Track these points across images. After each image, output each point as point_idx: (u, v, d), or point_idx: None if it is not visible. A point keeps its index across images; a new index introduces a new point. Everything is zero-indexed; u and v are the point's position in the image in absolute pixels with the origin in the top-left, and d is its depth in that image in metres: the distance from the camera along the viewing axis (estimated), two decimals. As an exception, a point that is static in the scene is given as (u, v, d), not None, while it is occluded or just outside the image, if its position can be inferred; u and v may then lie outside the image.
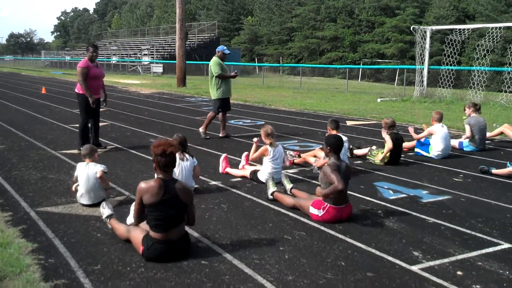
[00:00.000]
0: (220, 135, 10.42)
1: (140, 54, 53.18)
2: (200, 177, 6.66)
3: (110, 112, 14.75)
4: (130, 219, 4.68)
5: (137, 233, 4.26)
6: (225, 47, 10.62)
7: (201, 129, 10.37)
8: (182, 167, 5.87)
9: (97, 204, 5.45)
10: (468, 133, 9.21)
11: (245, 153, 7.38)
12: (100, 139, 8.99)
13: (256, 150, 6.81)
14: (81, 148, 5.89)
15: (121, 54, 56.79)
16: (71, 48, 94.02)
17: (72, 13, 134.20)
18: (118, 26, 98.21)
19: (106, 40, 75.43)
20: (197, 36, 53.53)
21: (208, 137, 10.26)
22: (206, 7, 76.92)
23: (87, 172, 5.59)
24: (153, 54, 51.15)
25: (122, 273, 3.86)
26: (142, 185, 4.12)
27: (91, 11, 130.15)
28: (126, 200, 5.75)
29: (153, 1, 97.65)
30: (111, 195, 5.88)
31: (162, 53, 51.52)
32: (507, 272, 4.00)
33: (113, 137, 10.28)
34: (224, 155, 7.48)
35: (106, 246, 4.40)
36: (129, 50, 58.11)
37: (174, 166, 4.24)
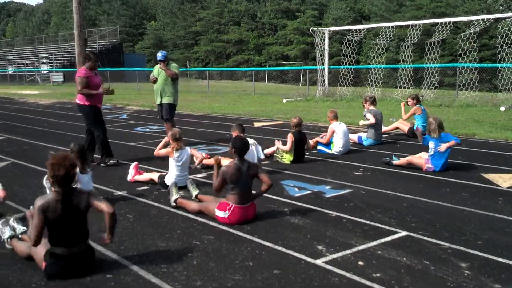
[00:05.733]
0: None
1: (38, 63, 50.63)
2: (105, 188, 6.49)
3: (6, 126, 13.94)
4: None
5: (39, 248, 4.04)
6: (158, 53, 9.92)
7: None
8: (82, 181, 5.63)
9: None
10: (372, 119, 9.63)
11: (135, 163, 7.27)
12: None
13: (164, 146, 6.72)
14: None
15: (18, 64, 53.75)
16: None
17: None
18: (13, 34, 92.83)
19: (0, 50, 71.01)
20: (99, 42, 51.90)
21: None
22: (107, 12, 74.78)
23: None
24: (52, 63, 48.93)
25: (20, 296, 3.65)
26: (40, 202, 3.86)
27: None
28: (22, 218, 5.43)
29: (49, 7, 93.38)
30: (8, 213, 5.53)
31: (62, 61, 49.50)
32: (404, 259, 4.23)
33: (9, 151, 9.71)
34: (135, 163, 7.30)
35: (3, 268, 4.14)
36: (26, 59, 55.15)
37: (73, 181, 4.06)
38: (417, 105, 10.53)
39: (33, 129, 13.16)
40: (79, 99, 8.20)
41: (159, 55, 9.80)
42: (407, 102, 10.85)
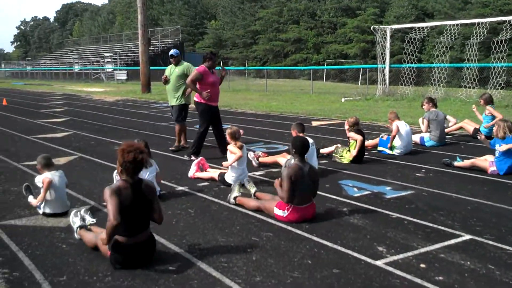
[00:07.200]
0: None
1: (103, 61, 52.54)
2: (167, 183, 6.66)
3: (73, 121, 14.56)
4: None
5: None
6: (172, 50, 9.57)
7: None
8: (145, 173, 5.79)
9: (62, 214, 5.46)
10: (423, 128, 9.73)
11: (197, 160, 7.40)
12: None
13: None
14: (40, 159, 5.78)
15: (84, 62, 56.01)
16: (32, 58, 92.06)
17: (32, 22, 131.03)
18: (79, 34, 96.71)
19: (67, 49, 74.25)
20: (161, 42, 53.23)
21: (171, 148, 9.66)
22: (169, 12, 76.46)
23: (55, 181, 5.54)
24: (116, 61, 50.61)
25: (89, 283, 3.82)
26: (110, 187, 4.03)
27: (52, 20, 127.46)
28: (92, 210, 5.67)
29: (114, 7, 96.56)
30: (76, 205, 5.79)
31: (126, 59, 51.09)
32: (468, 263, 4.12)
33: (77, 146, 10.14)
34: (198, 159, 7.44)
35: (72, 257, 4.35)
36: (91, 57, 57.36)
37: (141, 170, 4.22)
38: (488, 106, 10.20)
39: (99, 125, 13.67)
40: (196, 97, 8.56)
41: (172, 51, 9.47)
42: (478, 102, 10.60)
